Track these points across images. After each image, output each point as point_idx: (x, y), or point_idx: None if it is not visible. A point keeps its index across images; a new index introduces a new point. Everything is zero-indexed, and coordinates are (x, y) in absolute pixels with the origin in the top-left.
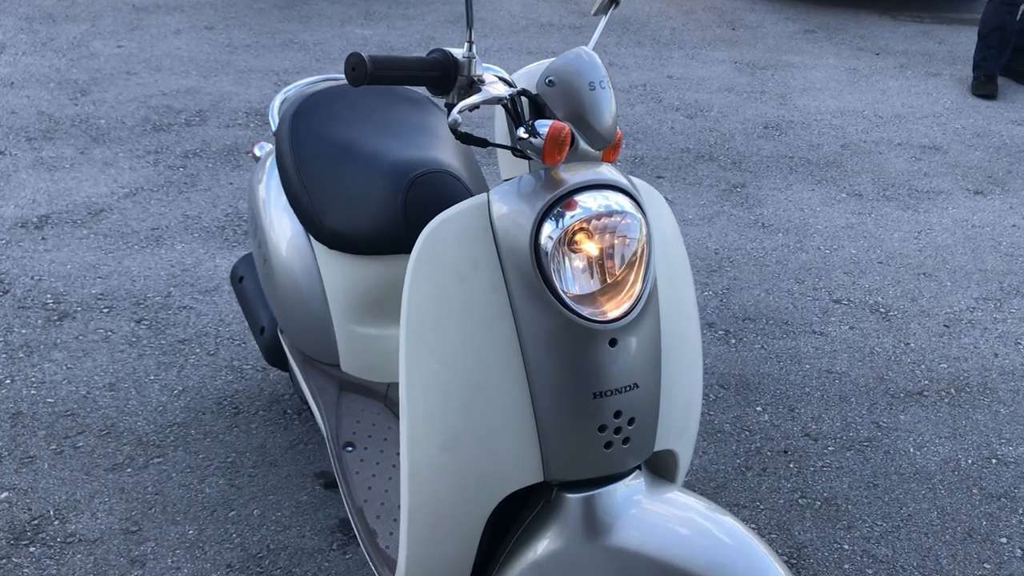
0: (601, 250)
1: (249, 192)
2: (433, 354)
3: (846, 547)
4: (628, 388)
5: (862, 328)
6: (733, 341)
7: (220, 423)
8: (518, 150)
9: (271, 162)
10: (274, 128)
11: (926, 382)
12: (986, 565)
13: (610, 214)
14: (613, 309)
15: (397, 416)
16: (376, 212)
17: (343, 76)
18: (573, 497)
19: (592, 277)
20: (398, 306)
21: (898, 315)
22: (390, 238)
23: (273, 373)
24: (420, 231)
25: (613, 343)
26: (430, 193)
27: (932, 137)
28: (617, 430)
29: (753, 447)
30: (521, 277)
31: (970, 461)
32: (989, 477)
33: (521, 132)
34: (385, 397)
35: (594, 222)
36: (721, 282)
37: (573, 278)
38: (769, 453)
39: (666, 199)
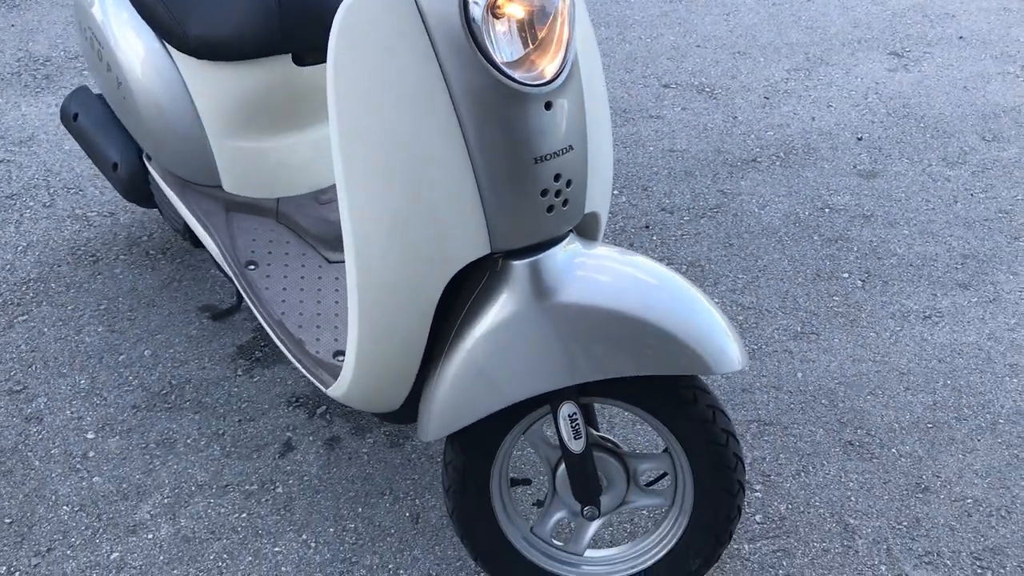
0: (528, 11)
1: (81, 17)
2: (369, 135)
3: (716, 300)
4: (564, 151)
5: (693, 108)
6: None
7: (81, 273)
8: None
9: None
10: None
11: (757, 149)
12: (835, 298)
13: None
14: (544, 71)
15: (292, 230)
16: (246, 12)
17: None
18: (519, 263)
19: (520, 40)
20: (279, 115)
21: (722, 92)
22: (265, 39)
23: (125, 215)
24: (295, 28)
25: (548, 106)
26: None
27: None
28: (557, 193)
29: (617, 226)
30: (452, 47)
31: (807, 213)
32: (825, 224)
33: None
34: (276, 213)
35: None
36: None
37: (502, 43)
38: (632, 230)
39: None
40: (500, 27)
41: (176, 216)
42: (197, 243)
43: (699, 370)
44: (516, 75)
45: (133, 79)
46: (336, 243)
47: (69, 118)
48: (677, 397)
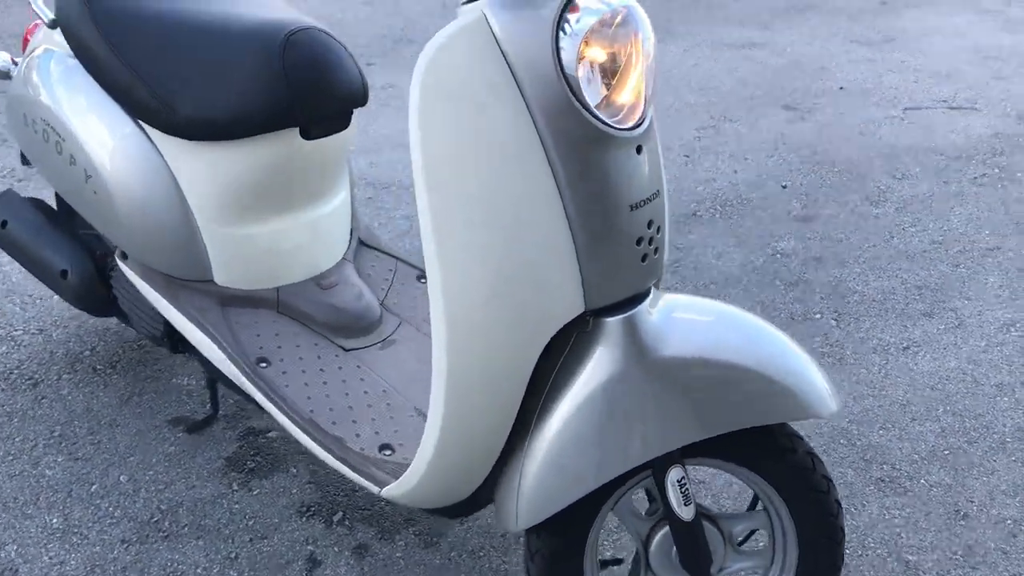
0: (613, 53)
1: (25, 110)
2: (462, 196)
3: None
4: (653, 196)
5: None
6: None
7: (20, 399)
8: None
9: (51, 61)
10: (46, 17)
11: (694, 204)
12: (816, 339)
13: (616, 13)
14: (633, 114)
15: (297, 320)
16: (248, 84)
17: None
18: (613, 320)
19: (611, 83)
20: (278, 196)
21: None
22: (272, 113)
23: (57, 330)
24: (305, 98)
25: (639, 151)
26: (309, 52)
27: None
28: (650, 240)
29: None
30: (545, 94)
31: (761, 260)
32: (782, 269)
33: None
34: (277, 304)
35: (604, 26)
36: None
37: (593, 87)
38: None
39: None
40: (594, 69)
41: (153, 320)
42: (177, 348)
43: (804, 415)
44: (609, 120)
45: (105, 170)
46: (348, 330)
47: None
48: (776, 447)
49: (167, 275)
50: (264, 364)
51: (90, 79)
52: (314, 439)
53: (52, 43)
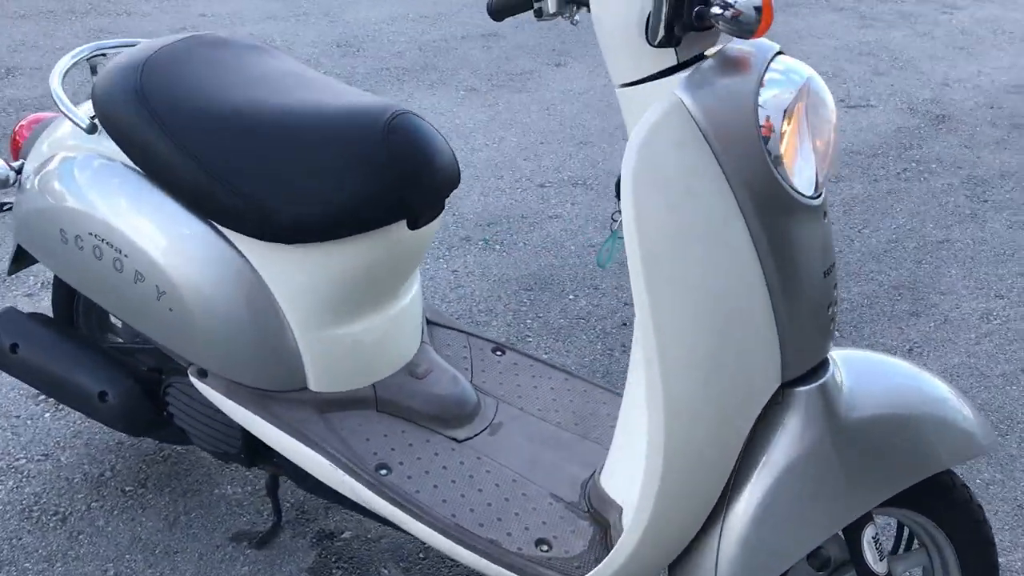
0: (804, 124)
1: (57, 221)
2: (676, 283)
3: None
4: (834, 260)
5: (581, 201)
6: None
7: (54, 539)
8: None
9: (93, 167)
10: (82, 122)
11: None
12: None
13: (803, 85)
14: (819, 181)
15: (400, 417)
16: (352, 178)
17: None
18: (806, 390)
19: (805, 154)
20: (378, 289)
21: (595, 182)
22: (379, 206)
23: (65, 453)
24: (413, 186)
25: (824, 215)
26: (411, 138)
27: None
28: (836, 304)
29: (598, 329)
30: (747, 170)
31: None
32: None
33: (716, 8)
34: (376, 402)
35: (796, 100)
36: None
37: (790, 159)
38: (613, 330)
39: None
40: (793, 143)
41: (227, 436)
42: (253, 462)
43: (974, 453)
44: (806, 190)
45: (184, 284)
46: (454, 419)
47: (3, 352)
48: (940, 485)
49: (257, 388)
50: (385, 471)
51: (150, 185)
52: (466, 545)
53: (77, 148)
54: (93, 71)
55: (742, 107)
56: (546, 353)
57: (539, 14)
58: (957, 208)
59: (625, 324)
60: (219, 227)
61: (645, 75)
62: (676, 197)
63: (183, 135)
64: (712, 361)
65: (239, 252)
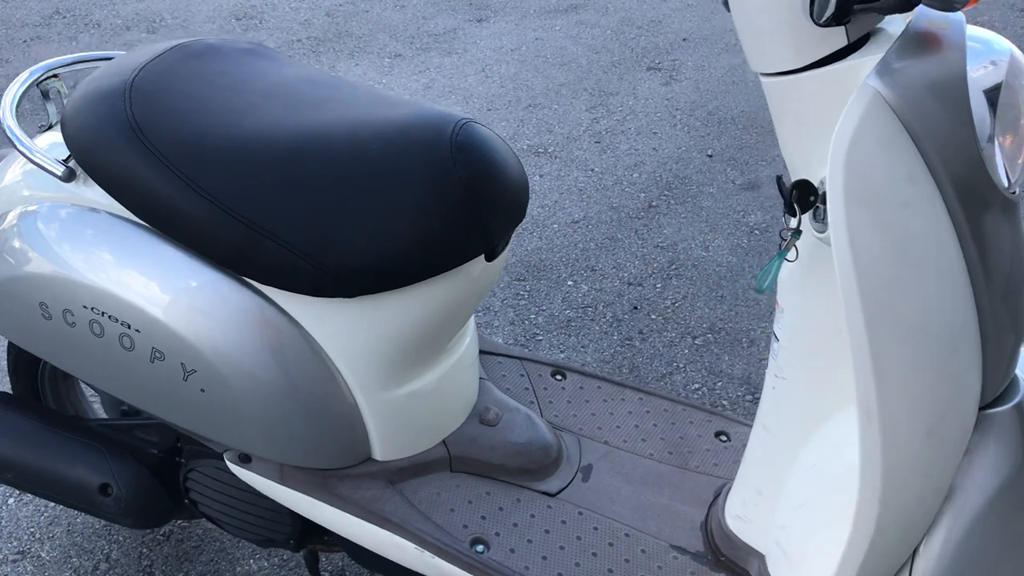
0: (1014, 108)
1: (35, 294)
2: (897, 318)
3: (762, 356)
4: None
5: (549, 172)
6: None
7: None
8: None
9: (75, 218)
10: (57, 168)
11: (641, 195)
12: None
13: (1012, 60)
14: (1017, 176)
15: (480, 476)
16: (420, 210)
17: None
18: (1003, 410)
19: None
20: (452, 332)
21: (555, 148)
22: (454, 240)
23: (45, 547)
24: (490, 211)
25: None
26: (481, 152)
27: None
28: None
29: (609, 316)
30: (957, 173)
31: (747, 241)
32: (772, 247)
33: None
34: (449, 462)
35: (1008, 78)
36: None
37: (995, 153)
38: (624, 316)
39: None
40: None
41: (274, 524)
42: (302, 546)
43: None
44: (1002, 183)
45: (219, 356)
46: (541, 469)
47: None
48: None
49: (314, 469)
50: (481, 546)
51: (154, 237)
52: None
53: (43, 198)
54: (45, 96)
55: (952, 95)
56: (561, 352)
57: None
58: None
59: (636, 308)
60: (259, 287)
61: (808, 61)
62: (890, 211)
63: (198, 174)
64: (932, 403)
65: (282, 311)
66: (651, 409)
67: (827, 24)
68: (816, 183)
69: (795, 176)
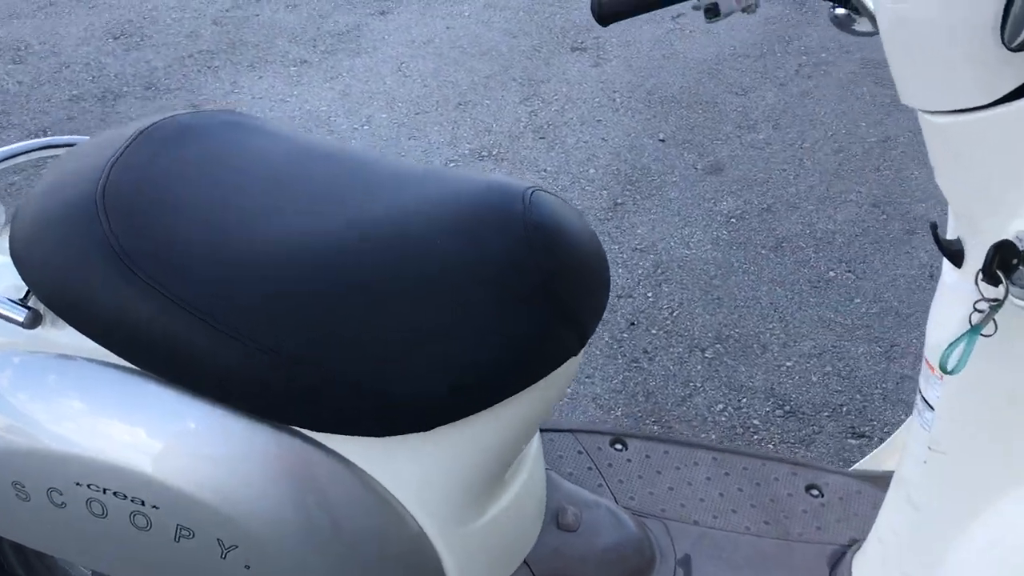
0: None
1: (19, 467)
2: None
3: (787, 346)
4: None
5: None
6: None
7: None
8: None
9: (45, 372)
10: (19, 313)
11: (604, 192)
12: (859, 302)
13: None
14: None
15: None
16: (497, 314)
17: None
18: None
19: None
20: (533, 437)
21: (501, 151)
22: (544, 343)
23: None
24: (578, 303)
25: None
26: (559, 230)
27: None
28: None
29: (606, 336)
30: None
31: (725, 232)
32: (749, 234)
33: None
34: None
35: None
36: None
37: None
38: (622, 335)
39: None
40: None
41: None
42: None
43: None
44: None
45: (265, 525)
46: (639, 572)
47: None
48: None
49: None
50: None
51: (161, 389)
52: None
53: None
54: None
55: None
56: (567, 388)
57: (712, 14)
58: (874, 98)
59: (633, 323)
60: (301, 431)
61: (999, 95)
62: None
63: (211, 305)
64: None
65: (337, 456)
66: (729, 470)
67: (1020, 48)
68: (1013, 239)
69: (969, 227)
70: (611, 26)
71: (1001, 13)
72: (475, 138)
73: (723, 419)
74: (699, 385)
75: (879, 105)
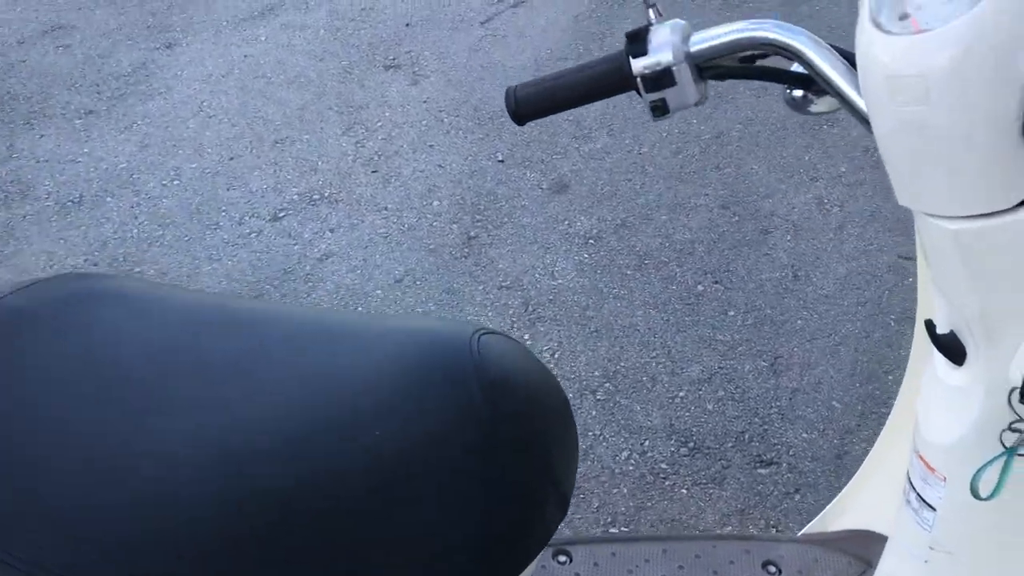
0: None
1: None
2: None
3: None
4: None
5: (331, 221)
6: None
7: None
8: None
9: None
10: None
11: (473, 229)
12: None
13: None
14: None
15: None
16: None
17: None
18: None
19: None
20: None
21: (341, 199)
22: (517, 535)
23: None
24: (562, 467)
25: None
26: (520, 390)
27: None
28: None
29: (580, 386)
30: None
31: (630, 261)
32: (653, 252)
33: None
34: None
35: None
36: None
37: None
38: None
39: None
40: None
41: None
42: None
43: None
44: None
45: None
46: None
47: None
48: None
49: None
50: None
51: None
52: None
53: None
54: None
55: None
56: None
57: (660, 112)
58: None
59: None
60: None
61: (1021, 198)
62: None
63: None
64: None
65: None
66: (683, 562)
67: None
68: None
69: (981, 331)
70: (422, 39)
71: (1021, 110)
72: (301, 180)
73: (631, 468)
74: (598, 433)
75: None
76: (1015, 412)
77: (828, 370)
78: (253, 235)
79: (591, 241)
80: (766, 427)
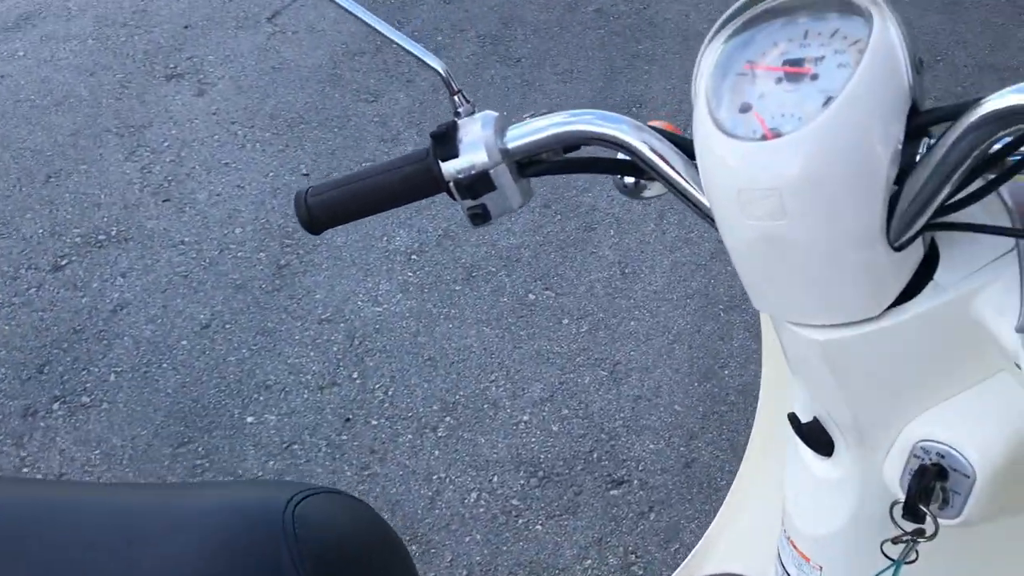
0: None
1: None
2: None
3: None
4: None
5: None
6: None
7: None
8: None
9: None
10: None
11: (298, 249)
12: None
13: None
14: None
15: None
16: None
17: None
18: None
19: None
20: None
21: (185, 201)
22: None
23: None
24: None
25: None
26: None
27: None
28: None
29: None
30: None
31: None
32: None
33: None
34: None
35: None
36: None
37: None
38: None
39: None
40: None
41: None
42: None
43: None
44: None
45: None
46: None
47: None
48: None
49: None
50: None
51: None
52: None
53: None
54: None
55: None
56: None
57: (481, 219)
58: (504, 80)
59: (348, 419)
60: None
61: (887, 303)
62: None
63: None
64: None
65: None
66: None
67: (905, 245)
68: (921, 457)
69: (852, 432)
70: (205, 42)
71: (885, 213)
72: (82, 219)
73: (481, 510)
74: (443, 475)
75: (511, 87)
76: (898, 527)
77: (666, 371)
78: (32, 291)
79: (413, 257)
80: (613, 442)
